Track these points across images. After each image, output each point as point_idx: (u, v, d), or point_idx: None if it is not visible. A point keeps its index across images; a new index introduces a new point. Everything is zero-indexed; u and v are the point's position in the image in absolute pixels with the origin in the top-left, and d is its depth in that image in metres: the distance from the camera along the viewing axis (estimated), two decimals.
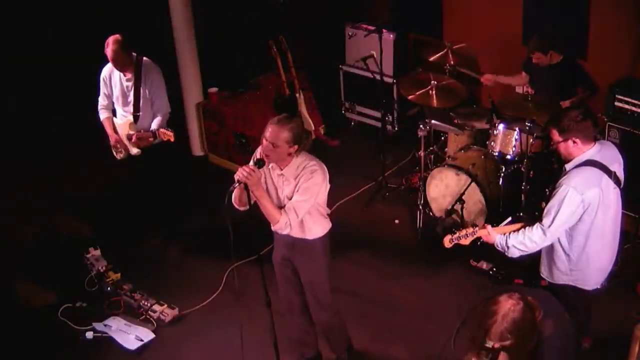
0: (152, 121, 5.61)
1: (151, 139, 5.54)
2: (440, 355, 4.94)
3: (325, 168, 4.23)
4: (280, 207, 4.18)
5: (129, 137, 5.65)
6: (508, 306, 3.29)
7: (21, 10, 7.47)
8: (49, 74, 7.54)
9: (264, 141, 4.03)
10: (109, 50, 5.37)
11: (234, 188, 3.96)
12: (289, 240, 4.39)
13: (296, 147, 4.06)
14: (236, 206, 4.21)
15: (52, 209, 6.56)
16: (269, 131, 4.00)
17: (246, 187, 3.94)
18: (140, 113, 5.60)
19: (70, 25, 7.58)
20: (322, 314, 4.66)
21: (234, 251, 3.98)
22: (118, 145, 5.78)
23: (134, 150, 5.70)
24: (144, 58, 5.58)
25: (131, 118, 5.63)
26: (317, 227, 4.35)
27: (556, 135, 4.05)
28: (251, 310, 5.11)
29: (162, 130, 5.42)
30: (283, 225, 4.12)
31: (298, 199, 4.12)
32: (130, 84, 5.54)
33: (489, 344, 3.31)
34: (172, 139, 5.37)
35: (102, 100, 5.78)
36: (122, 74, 5.58)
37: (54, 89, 7.59)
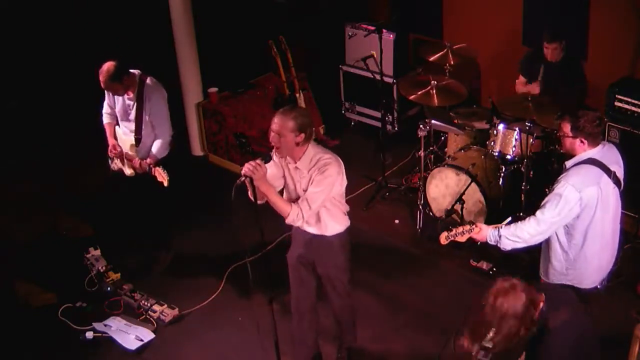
0: (152, 143, 5.46)
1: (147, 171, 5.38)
2: (441, 355, 4.95)
3: (341, 162, 4.23)
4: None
5: (128, 157, 5.49)
6: (493, 289, 3.37)
7: (20, 10, 7.47)
8: (49, 74, 7.54)
9: (271, 133, 4.09)
10: (100, 77, 5.22)
11: (240, 182, 3.97)
12: (306, 237, 4.41)
13: (302, 135, 4.08)
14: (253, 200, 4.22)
15: (52, 209, 6.56)
16: (274, 122, 4.07)
17: (252, 182, 3.96)
18: (142, 136, 5.46)
19: (69, 23, 7.58)
20: (337, 299, 4.70)
21: (244, 244, 3.96)
22: (113, 154, 5.58)
23: (128, 171, 5.53)
24: (147, 80, 5.38)
25: (132, 139, 5.47)
26: (335, 224, 4.37)
27: (567, 129, 4.07)
28: (253, 309, 5.10)
29: (158, 170, 5.25)
30: (295, 217, 4.14)
31: (311, 190, 4.15)
32: (132, 102, 5.41)
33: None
34: (165, 183, 5.21)
35: (106, 108, 5.66)
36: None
37: (54, 89, 7.59)
